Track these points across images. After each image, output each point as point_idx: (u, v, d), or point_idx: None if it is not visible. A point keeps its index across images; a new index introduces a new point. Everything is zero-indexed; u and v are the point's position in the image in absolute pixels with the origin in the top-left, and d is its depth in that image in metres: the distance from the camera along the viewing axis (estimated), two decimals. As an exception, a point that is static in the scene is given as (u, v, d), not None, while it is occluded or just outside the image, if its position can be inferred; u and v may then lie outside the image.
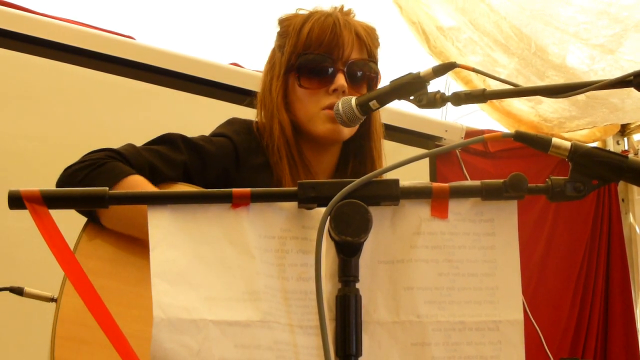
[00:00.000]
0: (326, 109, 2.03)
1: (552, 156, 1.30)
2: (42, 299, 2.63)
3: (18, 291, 2.66)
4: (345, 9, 2.11)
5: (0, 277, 2.92)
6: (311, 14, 2.09)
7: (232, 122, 2.11)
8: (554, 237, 4.79)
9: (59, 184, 1.82)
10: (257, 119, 2.13)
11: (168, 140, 1.95)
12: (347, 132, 2.07)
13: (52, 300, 2.59)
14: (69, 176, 1.80)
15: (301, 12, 2.11)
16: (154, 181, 1.86)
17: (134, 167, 1.83)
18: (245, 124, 2.11)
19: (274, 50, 2.15)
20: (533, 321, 4.29)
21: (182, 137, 1.96)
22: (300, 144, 2.08)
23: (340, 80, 2.02)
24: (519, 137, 1.26)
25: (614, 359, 4.71)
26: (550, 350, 4.39)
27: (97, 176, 1.77)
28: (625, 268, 4.91)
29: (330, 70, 2.03)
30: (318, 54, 2.03)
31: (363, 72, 2.06)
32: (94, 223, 1.80)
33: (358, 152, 2.16)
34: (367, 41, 2.08)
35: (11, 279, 2.74)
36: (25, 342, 3.22)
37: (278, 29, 2.14)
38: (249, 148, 2.04)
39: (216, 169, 1.97)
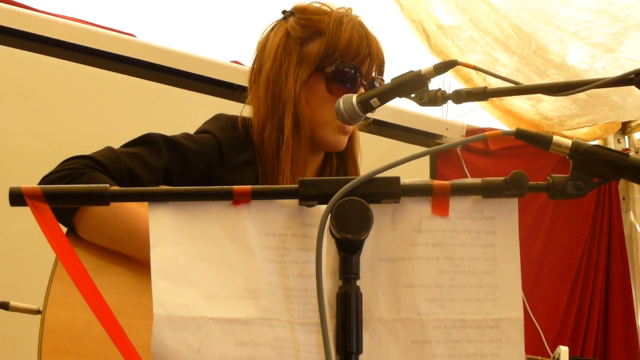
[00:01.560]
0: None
1: (552, 155, 1.30)
2: (28, 312, 2.61)
3: (4, 306, 2.64)
4: (348, 10, 2.11)
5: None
6: (341, 17, 2.07)
7: (218, 118, 2.09)
8: (552, 235, 4.79)
9: None
10: (251, 101, 2.10)
11: (148, 141, 1.92)
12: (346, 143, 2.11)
13: (38, 312, 2.57)
14: (47, 185, 1.77)
15: (316, 5, 2.10)
16: (133, 185, 1.83)
17: (112, 175, 1.81)
18: (232, 119, 2.08)
19: (287, 37, 2.09)
20: (533, 319, 4.28)
21: (163, 137, 1.93)
22: (294, 141, 2.05)
23: None
24: (520, 134, 1.27)
25: (614, 358, 4.71)
26: (548, 348, 4.39)
27: None
28: (625, 266, 4.91)
29: (358, 83, 2.05)
30: (354, 65, 2.04)
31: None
32: (72, 234, 1.78)
33: (340, 153, 2.18)
34: (383, 61, 2.12)
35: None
36: (13, 356, 3.21)
37: (296, 17, 2.09)
38: (234, 144, 2.02)
39: (199, 167, 1.94)
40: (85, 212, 1.74)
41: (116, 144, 1.90)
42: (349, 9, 2.11)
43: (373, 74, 2.09)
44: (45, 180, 1.79)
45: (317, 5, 2.11)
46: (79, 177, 1.76)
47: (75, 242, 1.77)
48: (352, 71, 2.04)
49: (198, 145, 1.96)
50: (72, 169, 1.78)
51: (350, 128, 2.09)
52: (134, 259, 1.73)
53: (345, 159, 2.18)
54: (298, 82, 2.04)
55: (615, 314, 4.79)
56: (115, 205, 1.67)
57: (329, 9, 2.09)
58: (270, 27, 2.16)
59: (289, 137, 2.02)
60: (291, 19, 2.10)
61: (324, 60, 2.05)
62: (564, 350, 2.42)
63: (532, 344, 4.31)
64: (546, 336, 4.39)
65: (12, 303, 2.63)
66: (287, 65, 2.06)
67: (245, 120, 2.08)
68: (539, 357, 2.33)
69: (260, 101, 2.08)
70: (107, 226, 1.74)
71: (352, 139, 2.17)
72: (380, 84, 2.10)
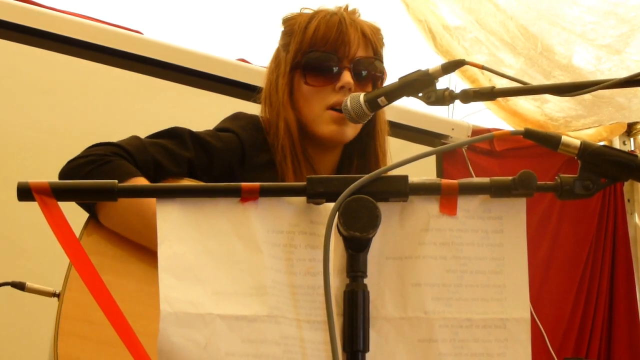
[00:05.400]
0: (332, 107, 2.03)
1: (557, 157, 1.31)
2: (44, 294, 2.62)
3: (20, 286, 2.65)
4: (350, 8, 2.11)
5: (1, 272, 2.92)
6: (316, 13, 2.09)
7: (239, 117, 2.10)
8: (558, 236, 4.79)
9: (62, 175, 1.80)
10: (262, 115, 2.13)
11: (175, 135, 1.94)
12: (351, 133, 2.07)
13: (54, 295, 2.58)
14: (73, 169, 1.79)
15: (306, 11, 2.11)
16: (158, 176, 1.86)
17: (138, 163, 1.82)
18: (252, 119, 2.10)
19: (278, 50, 2.16)
20: (537, 320, 4.29)
21: (190, 132, 1.95)
22: (305, 143, 2.07)
23: (347, 77, 2.02)
24: (528, 134, 1.26)
25: (617, 359, 4.71)
26: (553, 349, 4.39)
27: (101, 173, 1.76)
28: (630, 269, 4.91)
29: (336, 67, 2.03)
30: (324, 51, 2.03)
31: (369, 70, 2.06)
32: (95, 220, 1.80)
33: (362, 151, 2.15)
34: (372, 39, 2.08)
35: (13, 274, 2.75)
36: (26, 337, 3.21)
37: (282, 28, 2.14)
38: (255, 145, 2.04)
39: (221, 165, 1.96)
40: (108, 202, 1.74)
41: (122, 140, 1.91)
42: (340, 7, 2.12)
43: (357, 55, 2.05)
44: (71, 164, 1.81)
45: (306, 11, 2.12)
46: (106, 164, 1.77)
47: (97, 229, 1.78)
48: (323, 57, 2.04)
49: (223, 143, 1.98)
50: (99, 155, 1.79)
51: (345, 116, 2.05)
52: (148, 249, 1.74)
53: (367, 157, 2.16)
54: (283, 85, 2.08)
55: (619, 316, 4.79)
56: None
57: (310, 11, 2.12)
58: None
59: (285, 142, 2.04)
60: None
61: (296, 56, 2.07)
62: None
63: (537, 346, 4.31)
64: (552, 337, 4.39)
65: (29, 284, 2.64)
66: (277, 74, 2.12)
67: (263, 120, 2.11)
68: None
69: (263, 113, 2.13)
70: (128, 217, 1.75)
71: (373, 137, 2.15)
72: (373, 64, 2.08)
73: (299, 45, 2.06)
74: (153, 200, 1.70)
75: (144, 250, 1.74)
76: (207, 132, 2.00)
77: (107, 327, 1.61)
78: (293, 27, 2.09)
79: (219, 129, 2.05)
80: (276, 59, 2.15)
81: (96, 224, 1.79)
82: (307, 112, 2.06)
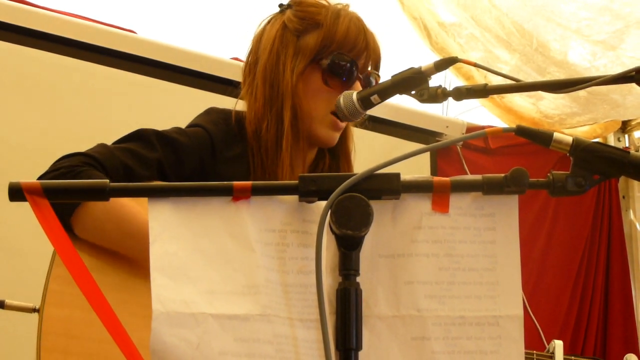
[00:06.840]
0: (334, 111, 2.01)
1: (552, 153, 1.30)
2: (24, 310, 2.58)
3: None
4: (349, 8, 2.11)
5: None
6: (339, 10, 2.07)
7: (210, 112, 2.07)
8: (554, 233, 4.79)
9: None
10: (240, 107, 2.08)
11: (141, 137, 1.90)
12: (337, 139, 2.09)
13: (34, 310, 2.54)
14: None
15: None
16: (129, 181, 1.80)
17: (108, 170, 1.80)
18: (224, 113, 2.06)
19: (284, 29, 2.08)
20: (532, 317, 4.29)
21: (156, 133, 1.91)
22: (291, 134, 2.04)
23: (358, 88, 2.03)
24: (520, 131, 1.26)
25: (613, 356, 4.71)
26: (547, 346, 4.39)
27: None
28: (625, 265, 4.91)
29: (354, 76, 2.04)
30: (351, 58, 2.03)
31: (373, 84, 2.08)
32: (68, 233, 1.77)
33: (333, 150, 2.16)
34: (380, 56, 2.10)
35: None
36: (9, 355, 3.19)
37: (293, 9, 2.09)
38: (225, 139, 2.00)
39: (192, 162, 1.93)
40: (82, 213, 1.73)
41: (119, 137, 1.90)
42: (346, 5, 2.11)
43: (369, 69, 2.08)
44: (42, 179, 1.77)
45: None
46: (76, 175, 1.74)
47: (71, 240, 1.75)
48: (349, 63, 2.03)
49: (190, 139, 1.94)
50: (68, 167, 1.76)
51: (343, 125, 2.07)
52: (129, 258, 1.73)
53: (337, 156, 2.17)
54: (294, 74, 2.03)
55: (614, 312, 4.80)
56: (112, 206, 1.70)
57: (326, 3, 2.09)
58: (267, 20, 2.15)
59: (289, 129, 2.00)
60: (288, 12, 2.10)
61: (320, 51, 2.04)
62: (558, 344, 2.40)
63: (532, 342, 4.31)
64: (549, 334, 4.39)
65: (8, 301, 2.60)
66: (284, 57, 2.05)
67: (238, 113, 2.07)
68: (534, 352, 2.30)
69: (257, 93, 2.06)
70: (103, 227, 1.74)
71: (345, 137, 2.16)
72: (375, 80, 2.09)
73: (327, 41, 2.03)
74: (129, 208, 1.71)
75: (120, 260, 1.73)
76: (174, 129, 1.97)
77: (89, 340, 1.61)
78: (315, 16, 2.05)
79: (190, 125, 2.02)
80: (282, 39, 2.07)
81: (70, 236, 1.75)
82: (312, 109, 2.04)
